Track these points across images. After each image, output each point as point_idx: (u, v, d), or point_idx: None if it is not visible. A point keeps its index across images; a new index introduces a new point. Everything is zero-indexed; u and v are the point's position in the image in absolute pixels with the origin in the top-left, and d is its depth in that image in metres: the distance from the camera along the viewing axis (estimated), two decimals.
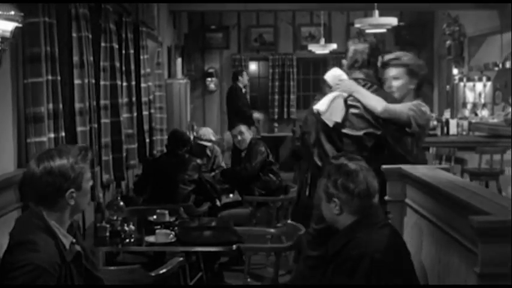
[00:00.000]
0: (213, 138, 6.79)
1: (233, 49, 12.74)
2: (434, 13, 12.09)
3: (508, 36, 10.27)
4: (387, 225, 2.68)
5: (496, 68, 10.11)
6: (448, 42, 11.17)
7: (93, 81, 4.40)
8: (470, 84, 10.65)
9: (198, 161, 5.87)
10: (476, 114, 10.44)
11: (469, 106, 10.67)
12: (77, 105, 4.08)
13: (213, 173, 6.59)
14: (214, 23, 12.62)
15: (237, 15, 12.58)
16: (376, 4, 7.61)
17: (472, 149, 6.92)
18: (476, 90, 10.72)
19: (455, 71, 11.19)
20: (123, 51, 5.75)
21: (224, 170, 6.89)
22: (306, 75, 13.04)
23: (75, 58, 4.07)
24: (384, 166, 3.17)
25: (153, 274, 3.58)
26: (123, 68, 5.76)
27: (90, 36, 4.35)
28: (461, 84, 10.74)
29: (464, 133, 7.70)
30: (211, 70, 12.71)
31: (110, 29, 5.00)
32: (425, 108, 3.68)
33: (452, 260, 2.45)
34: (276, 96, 12.67)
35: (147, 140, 6.59)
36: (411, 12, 12.49)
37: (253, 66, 13.08)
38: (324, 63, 12.80)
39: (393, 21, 7.69)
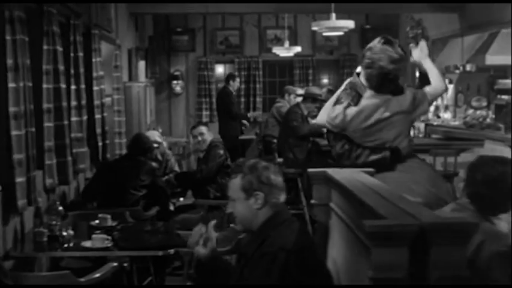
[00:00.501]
0: (159, 140, 6.72)
1: (199, 52, 12.70)
2: (399, 16, 12.14)
3: (469, 39, 10.37)
4: (295, 221, 2.75)
5: (457, 71, 10.18)
6: (411, 45, 11.15)
7: (30, 84, 4.33)
8: None
9: (154, 164, 5.83)
10: (438, 117, 10.51)
11: (432, 108, 10.72)
12: (12, 109, 4.02)
13: (166, 177, 6.54)
14: (179, 25, 12.58)
15: (203, 18, 12.54)
16: (333, 5, 7.60)
17: (426, 151, 6.95)
18: (447, 93, 10.78)
19: (417, 73, 11.24)
20: (71, 54, 5.69)
21: (178, 173, 6.86)
22: (272, 77, 13.03)
23: (10, 61, 4.01)
24: (309, 170, 3.16)
25: (83, 280, 3.55)
26: (72, 71, 5.70)
27: (27, 39, 4.29)
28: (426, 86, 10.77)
29: (420, 136, 7.73)
30: (177, 73, 12.66)
31: (53, 31, 4.94)
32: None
33: (361, 263, 2.44)
34: (242, 99, 12.65)
35: (100, 144, 6.52)
36: (377, 15, 12.55)
37: (219, 69, 13.04)
38: (290, 66, 12.83)
39: (350, 24, 7.69)
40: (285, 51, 11.20)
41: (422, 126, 7.69)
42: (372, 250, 1.95)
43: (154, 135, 6.75)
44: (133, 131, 8.36)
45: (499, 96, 8.00)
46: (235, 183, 2.77)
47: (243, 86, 12.48)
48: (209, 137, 6.56)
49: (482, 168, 2.81)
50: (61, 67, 5.08)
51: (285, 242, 2.56)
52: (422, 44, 4.11)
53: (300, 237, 2.61)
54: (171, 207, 6.31)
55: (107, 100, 8.25)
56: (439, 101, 10.72)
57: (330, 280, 2.68)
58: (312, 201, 3.16)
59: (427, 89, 4.02)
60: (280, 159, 7.77)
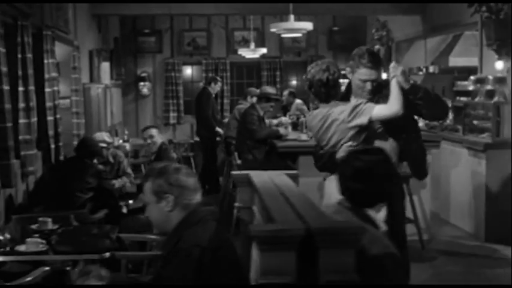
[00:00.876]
0: (108, 140, 6.65)
1: (166, 53, 12.66)
2: (366, 18, 12.18)
3: (433, 41, 10.43)
4: (210, 220, 2.75)
5: (421, 73, 10.23)
6: (377, 47, 11.25)
7: None
8: None
9: (100, 167, 5.78)
10: None
11: None
12: None
13: (119, 180, 6.49)
14: (146, 26, 12.53)
15: (170, 19, 12.51)
16: (291, 6, 7.60)
17: None
18: None
19: (384, 75, 11.25)
20: (19, 55, 5.63)
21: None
22: (240, 79, 13.03)
23: None
24: (233, 172, 3.16)
25: (13, 284, 3.51)
26: (20, 73, 5.64)
27: None
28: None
29: None
30: (144, 74, 12.61)
31: None
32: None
33: None
34: None
35: (52, 146, 6.45)
36: (344, 17, 12.59)
37: (187, 71, 13.01)
38: (258, 67, 12.83)
39: (308, 26, 7.70)
40: (251, 53, 11.20)
41: None
42: (260, 255, 1.94)
43: (103, 136, 6.68)
44: (93, 132, 8.30)
45: (457, 98, 8.03)
46: (147, 187, 2.80)
47: None
48: (159, 139, 6.54)
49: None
50: (4, 68, 5.02)
51: (200, 240, 2.57)
52: (397, 67, 4.15)
53: (216, 235, 2.62)
54: (124, 210, 6.26)
55: (66, 102, 8.21)
56: None
57: (245, 280, 2.66)
58: (236, 204, 3.14)
59: (379, 106, 4.07)
60: (239, 161, 7.75)
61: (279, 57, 12.74)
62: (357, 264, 2.11)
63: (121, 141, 9.67)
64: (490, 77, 7.30)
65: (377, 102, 4.11)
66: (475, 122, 7.60)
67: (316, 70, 4.29)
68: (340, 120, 4.09)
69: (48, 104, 6.40)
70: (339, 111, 4.13)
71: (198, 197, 2.75)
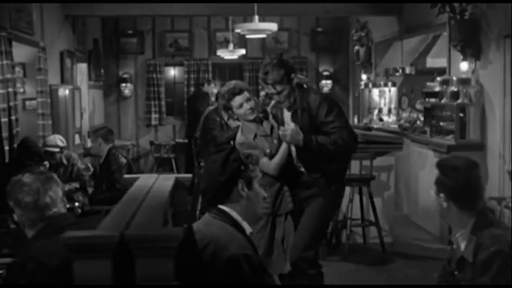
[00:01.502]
0: (61, 144, 6.60)
1: (148, 54, 12.63)
2: (349, 19, 12.09)
3: (412, 41, 10.34)
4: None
5: (398, 74, 10.16)
6: (356, 47, 11.19)
7: None
8: (377, 89, 10.66)
9: (42, 169, 5.70)
10: (381, 120, 10.48)
11: (375, 112, 10.69)
12: None
13: (73, 184, 6.45)
14: (128, 27, 12.50)
15: (152, 20, 12.47)
16: (255, 7, 7.55)
17: None
18: (387, 96, 10.75)
19: (363, 76, 11.22)
20: None
21: (91, 194, 6.66)
22: (223, 80, 12.93)
23: None
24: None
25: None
26: None
27: None
28: (367, 89, 10.76)
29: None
30: (125, 75, 12.58)
31: None
32: None
33: None
34: None
35: (7, 148, 6.42)
36: (327, 18, 12.51)
37: (169, 72, 12.98)
38: (240, 68, 12.78)
39: (273, 26, 7.66)
40: (229, 54, 11.14)
41: None
42: (74, 263, 1.88)
43: (56, 139, 6.62)
44: (60, 134, 8.28)
45: (427, 99, 7.94)
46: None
47: (192, 89, 12.39)
48: (106, 146, 6.49)
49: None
50: None
51: (37, 254, 2.50)
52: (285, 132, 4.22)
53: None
54: (79, 212, 6.21)
55: (33, 103, 8.20)
56: (382, 104, 10.71)
57: None
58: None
59: (265, 159, 4.31)
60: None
61: (261, 58, 12.67)
62: None
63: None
64: (454, 78, 7.22)
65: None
66: (441, 123, 7.52)
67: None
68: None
69: (2, 105, 6.36)
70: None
71: (50, 212, 2.67)
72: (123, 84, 12.50)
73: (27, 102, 8.31)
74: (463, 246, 2.83)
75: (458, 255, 2.86)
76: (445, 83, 7.41)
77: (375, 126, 10.01)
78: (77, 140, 8.63)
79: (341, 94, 12.79)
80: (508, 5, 6.41)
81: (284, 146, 4.25)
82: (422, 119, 8.46)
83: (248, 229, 2.70)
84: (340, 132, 4.13)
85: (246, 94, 4.48)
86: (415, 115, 9.19)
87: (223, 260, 2.44)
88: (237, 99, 4.43)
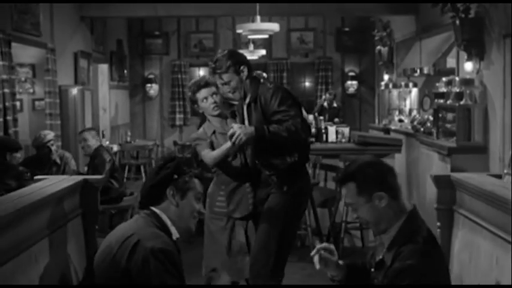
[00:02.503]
0: (49, 137, 6.63)
1: (173, 55, 12.73)
2: (370, 18, 11.90)
3: (434, 41, 10.10)
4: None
5: (416, 74, 9.93)
6: (378, 47, 11.01)
7: None
8: (397, 90, 10.46)
9: (21, 168, 5.77)
10: (400, 121, 10.27)
11: (396, 113, 10.50)
12: None
13: None
14: (154, 29, 12.62)
15: (177, 21, 12.58)
16: (257, 7, 7.50)
17: (337, 156, 6.79)
18: (411, 96, 10.54)
19: (385, 76, 11.03)
20: None
21: None
22: None
23: None
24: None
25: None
26: None
27: None
28: (387, 90, 10.57)
29: (344, 140, 7.51)
30: (151, 76, 12.71)
31: None
32: None
33: None
34: None
35: None
36: (352, 18, 12.37)
37: (193, 72, 13.03)
38: (265, 68, 12.71)
39: (275, 27, 7.59)
40: (250, 55, 11.09)
41: (346, 130, 7.47)
42: None
43: (46, 135, 6.67)
44: (69, 134, 8.42)
45: (436, 100, 7.73)
46: None
47: None
48: (94, 142, 6.53)
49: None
50: None
51: None
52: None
53: None
54: None
55: (42, 103, 8.35)
56: (402, 105, 10.50)
57: None
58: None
59: (206, 151, 4.24)
60: None
61: (286, 58, 12.60)
62: None
63: (107, 142, 9.75)
64: (457, 79, 7.01)
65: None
66: (447, 125, 7.32)
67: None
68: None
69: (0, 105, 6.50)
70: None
71: None
72: (149, 85, 12.64)
73: (37, 103, 8.47)
74: (386, 245, 2.70)
75: (380, 255, 2.74)
76: (450, 83, 7.21)
77: (393, 127, 9.82)
78: None
79: (367, 95, 12.62)
80: (509, 4, 6.18)
81: (227, 144, 4.12)
82: (431, 120, 8.24)
83: (175, 234, 2.72)
84: (292, 120, 4.01)
85: (212, 88, 4.40)
86: (426, 116, 8.97)
87: (145, 249, 2.48)
88: (203, 92, 4.33)
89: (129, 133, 11.73)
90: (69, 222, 2.90)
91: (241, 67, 4.16)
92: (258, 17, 7.50)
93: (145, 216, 2.70)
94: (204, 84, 4.40)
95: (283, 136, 3.97)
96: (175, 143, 12.50)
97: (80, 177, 3.03)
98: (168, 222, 2.70)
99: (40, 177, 3.06)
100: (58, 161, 6.52)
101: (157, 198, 2.72)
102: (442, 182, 3.07)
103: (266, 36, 8.63)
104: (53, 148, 6.49)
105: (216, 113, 4.40)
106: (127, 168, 11.18)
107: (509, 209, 2.38)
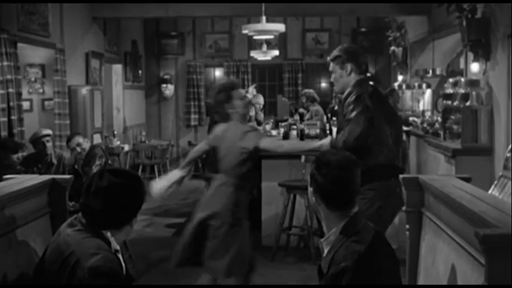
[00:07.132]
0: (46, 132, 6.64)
1: (188, 55, 12.77)
2: (384, 19, 11.80)
3: (450, 42, 9.98)
4: None
5: (428, 75, 9.82)
6: (392, 48, 10.91)
7: None
8: (410, 91, 10.36)
9: (18, 167, 5.82)
10: (408, 125, 10.15)
11: (409, 113, 10.39)
12: None
13: None
14: (169, 29, 12.68)
15: (192, 22, 12.62)
16: (263, 5, 7.49)
17: None
18: (425, 98, 10.43)
19: (400, 77, 10.94)
20: None
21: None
22: (262, 81, 12.96)
23: None
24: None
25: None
26: None
27: None
28: (400, 91, 10.47)
29: None
30: (166, 76, 12.77)
31: None
32: None
33: None
34: None
35: None
36: (368, 18, 12.29)
37: (209, 73, 13.07)
38: (280, 69, 12.72)
39: (281, 27, 7.57)
40: (263, 55, 11.08)
41: None
42: None
43: (42, 131, 6.68)
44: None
45: (444, 101, 7.63)
46: None
47: None
48: (86, 143, 6.54)
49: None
50: None
51: None
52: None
53: None
54: (70, 210, 6.30)
55: (51, 103, 8.44)
56: (415, 106, 10.39)
57: None
58: None
59: (270, 140, 4.70)
60: None
61: (301, 59, 12.56)
62: None
63: (118, 142, 9.81)
64: (462, 80, 6.92)
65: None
66: (454, 126, 7.22)
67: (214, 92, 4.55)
68: (231, 141, 4.36)
69: (1, 105, 6.57)
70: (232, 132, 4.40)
71: None
72: (164, 85, 12.70)
73: (46, 103, 8.55)
74: (325, 252, 2.65)
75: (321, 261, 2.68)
76: (456, 84, 7.12)
77: (405, 128, 9.71)
78: (97, 140, 8.77)
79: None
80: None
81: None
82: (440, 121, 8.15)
83: (115, 246, 2.59)
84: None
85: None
86: (435, 118, 8.86)
87: (82, 269, 2.38)
88: (240, 91, 4.58)
89: (143, 133, 11.80)
90: (36, 221, 2.92)
91: (347, 63, 4.18)
92: (264, 18, 7.49)
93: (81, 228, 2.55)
94: (238, 86, 4.60)
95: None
96: (189, 143, 12.55)
97: (48, 177, 3.05)
98: (108, 234, 2.58)
99: (8, 176, 3.09)
100: (55, 161, 6.50)
101: None
102: (411, 184, 3.03)
103: (271, 36, 8.61)
104: (48, 144, 6.48)
105: (245, 111, 4.56)
106: (141, 168, 11.23)
107: (463, 212, 2.34)
